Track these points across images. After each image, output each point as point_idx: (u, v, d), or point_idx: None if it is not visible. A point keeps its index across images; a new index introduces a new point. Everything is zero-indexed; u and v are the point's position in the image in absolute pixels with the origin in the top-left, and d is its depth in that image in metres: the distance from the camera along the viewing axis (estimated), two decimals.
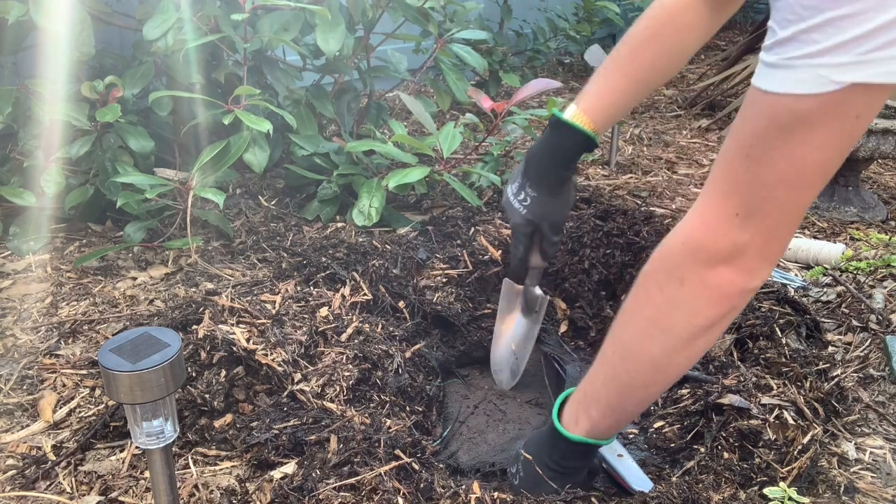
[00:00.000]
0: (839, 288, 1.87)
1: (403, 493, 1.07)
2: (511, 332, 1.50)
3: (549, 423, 1.14)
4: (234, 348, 1.29)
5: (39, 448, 1.26)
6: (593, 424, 1.08)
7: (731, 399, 1.29)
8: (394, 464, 1.12)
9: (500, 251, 1.76)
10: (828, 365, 1.46)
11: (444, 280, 1.70)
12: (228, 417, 1.26)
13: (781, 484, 1.11)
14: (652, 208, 2.28)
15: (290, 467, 1.15)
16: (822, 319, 1.71)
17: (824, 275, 1.96)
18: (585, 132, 1.24)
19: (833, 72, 0.74)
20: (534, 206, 1.32)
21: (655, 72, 1.24)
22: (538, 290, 1.44)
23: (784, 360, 1.40)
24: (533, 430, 1.25)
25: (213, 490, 1.15)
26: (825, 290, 1.88)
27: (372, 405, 1.31)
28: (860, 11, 0.72)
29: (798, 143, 0.79)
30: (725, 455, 1.21)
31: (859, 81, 0.74)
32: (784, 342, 1.45)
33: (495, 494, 1.08)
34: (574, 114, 1.25)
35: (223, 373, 1.28)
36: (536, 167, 1.31)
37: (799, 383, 1.36)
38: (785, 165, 0.81)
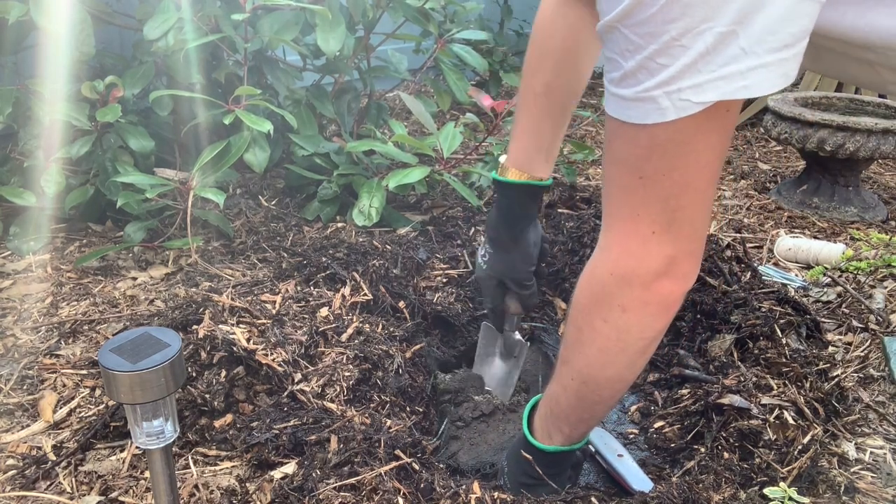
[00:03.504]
0: (839, 288, 1.87)
1: (403, 493, 1.07)
2: (489, 376, 1.49)
3: (522, 436, 1.14)
4: (235, 348, 1.29)
5: (40, 448, 1.26)
6: (567, 436, 1.09)
7: (731, 399, 1.29)
8: (394, 464, 1.12)
9: None
10: (828, 365, 1.46)
11: (445, 280, 1.70)
12: (228, 417, 1.26)
13: (781, 484, 1.11)
14: None
15: (290, 467, 1.15)
16: (823, 319, 1.71)
17: (824, 275, 1.96)
18: (518, 183, 1.28)
19: (693, 94, 0.74)
20: (493, 262, 1.37)
21: (556, 94, 1.23)
22: (517, 336, 1.44)
23: (784, 360, 1.40)
24: (512, 441, 1.26)
25: (213, 490, 1.15)
26: (825, 290, 1.88)
27: (372, 405, 1.31)
28: (692, 26, 0.71)
29: (685, 152, 0.80)
30: (725, 455, 1.21)
31: (720, 99, 0.74)
32: (784, 342, 1.45)
33: (495, 494, 1.08)
34: (502, 168, 1.30)
35: (223, 373, 1.28)
36: (490, 226, 1.37)
37: (799, 383, 1.36)
38: (681, 175, 0.82)
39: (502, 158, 1.31)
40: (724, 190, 2.71)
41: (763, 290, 1.63)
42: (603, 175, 0.91)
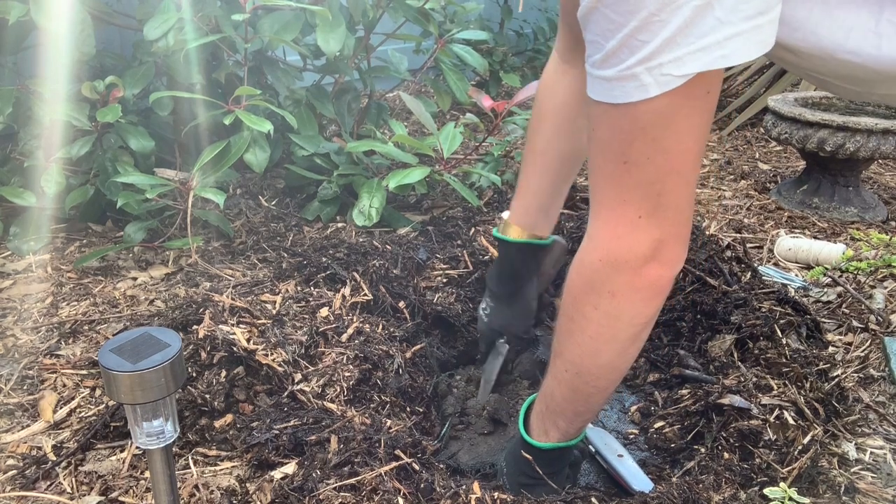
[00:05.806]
0: (839, 288, 1.87)
1: (404, 494, 1.07)
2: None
3: (519, 436, 1.14)
4: (235, 348, 1.29)
5: (40, 448, 1.26)
6: (563, 431, 1.09)
7: (731, 399, 1.29)
8: (394, 464, 1.12)
9: None
10: (828, 365, 1.46)
11: (445, 280, 1.70)
12: (229, 417, 1.26)
13: (782, 484, 1.11)
14: None
15: (290, 467, 1.15)
16: (823, 320, 1.71)
17: (825, 275, 1.96)
18: (518, 241, 1.33)
19: (673, 67, 0.76)
20: (493, 315, 1.43)
21: (554, 153, 1.28)
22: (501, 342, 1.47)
23: (784, 360, 1.40)
24: (510, 441, 1.26)
25: (213, 490, 1.15)
26: (825, 290, 1.88)
27: (372, 405, 1.31)
28: (670, 0, 0.72)
29: (667, 136, 0.81)
30: (726, 455, 1.21)
31: (700, 71, 0.75)
32: (784, 342, 1.45)
33: (495, 494, 1.08)
34: (504, 226, 1.35)
35: (223, 373, 1.28)
36: (491, 281, 1.43)
37: (799, 383, 1.36)
38: (663, 159, 0.83)
39: (505, 215, 1.36)
40: (724, 190, 2.71)
41: (763, 291, 1.63)
42: (588, 164, 0.92)
